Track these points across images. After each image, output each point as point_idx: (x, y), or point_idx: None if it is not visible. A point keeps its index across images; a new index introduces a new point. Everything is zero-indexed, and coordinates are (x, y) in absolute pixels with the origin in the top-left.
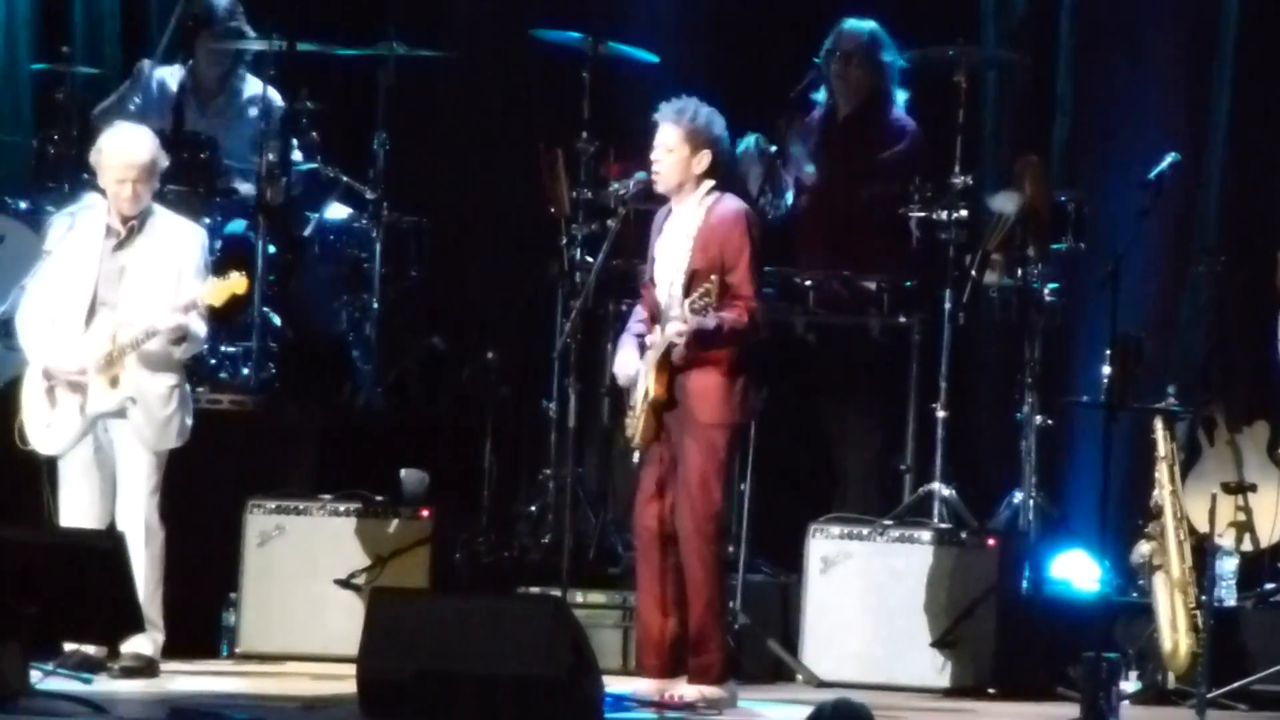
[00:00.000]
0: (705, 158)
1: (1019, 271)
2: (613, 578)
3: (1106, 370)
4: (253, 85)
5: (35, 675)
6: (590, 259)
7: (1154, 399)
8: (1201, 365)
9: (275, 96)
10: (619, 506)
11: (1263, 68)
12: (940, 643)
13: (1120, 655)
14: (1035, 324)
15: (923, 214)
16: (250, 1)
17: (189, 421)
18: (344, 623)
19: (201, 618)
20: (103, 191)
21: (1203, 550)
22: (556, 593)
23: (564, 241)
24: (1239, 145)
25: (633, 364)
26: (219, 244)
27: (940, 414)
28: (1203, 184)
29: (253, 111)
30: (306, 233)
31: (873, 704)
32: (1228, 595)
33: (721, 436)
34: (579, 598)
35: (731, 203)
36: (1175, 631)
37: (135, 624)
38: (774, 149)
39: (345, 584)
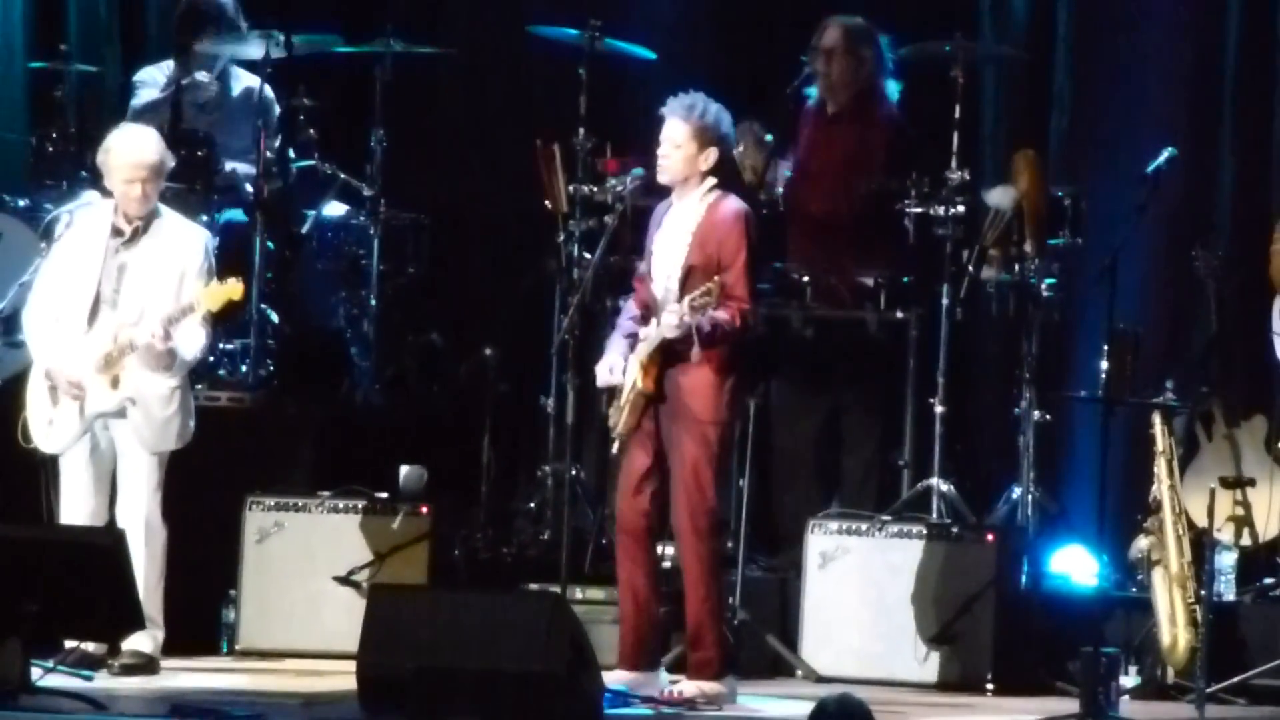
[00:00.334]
0: (712, 155)
1: (1016, 267)
2: (611, 574)
3: (1104, 365)
4: (248, 82)
5: (35, 672)
6: (588, 255)
7: (1152, 394)
8: (1199, 360)
9: (271, 93)
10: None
11: (1262, 63)
12: (939, 638)
13: (1119, 650)
14: (1033, 319)
15: (920, 209)
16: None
17: (190, 424)
18: (343, 619)
19: (201, 615)
20: (104, 190)
21: (1201, 545)
22: (555, 589)
23: (561, 238)
24: (1237, 139)
25: (616, 367)
26: (216, 241)
27: (938, 409)
28: (1201, 179)
29: (249, 108)
30: (304, 229)
31: (871, 699)
32: (1226, 590)
33: (714, 432)
34: (578, 593)
35: (733, 203)
36: (1174, 626)
37: (135, 621)
38: (769, 137)
39: (344, 580)
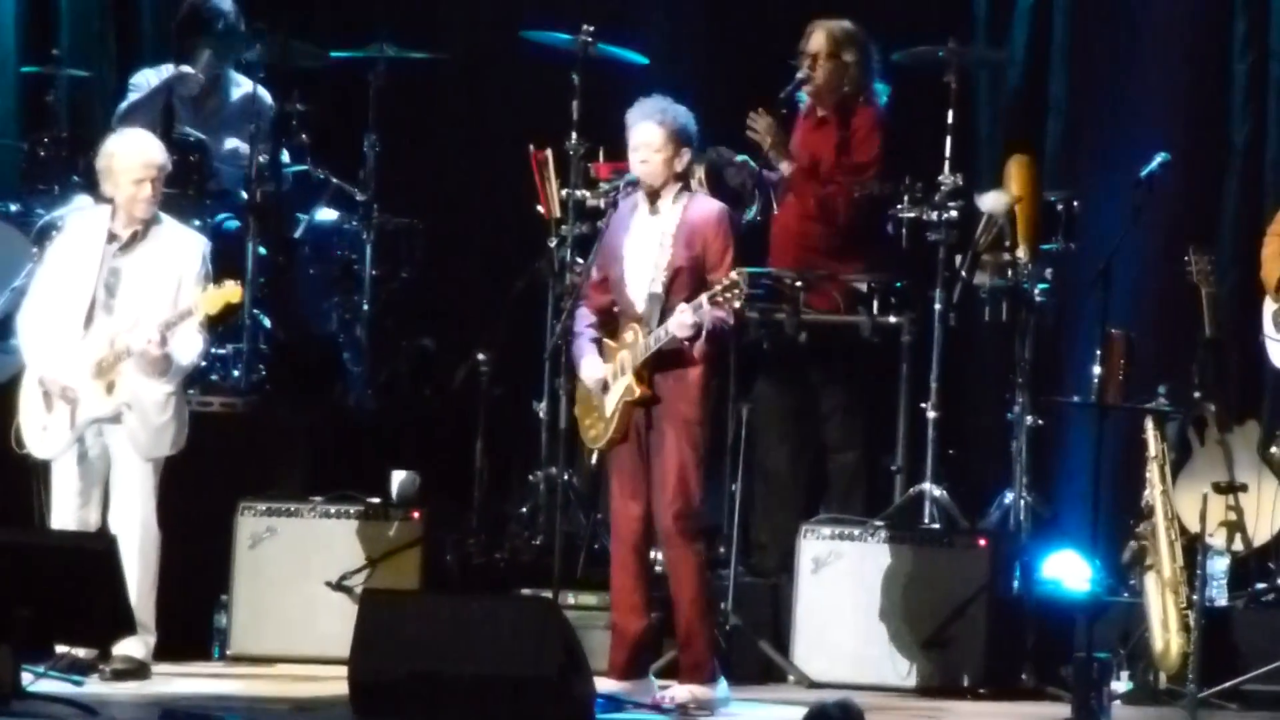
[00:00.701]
0: (685, 156)
1: (1010, 272)
2: (604, 579)
3: (1097, 370)
4: (244, 86)
5: (27, 677)
6: (580, 260)
7: (1145, 399)
8: (1192, 365)
9: (266, 97)
10: (610, 508)
11: (1257, 69)
12: (931, 643)
13: (1111, 655)
14: (1026, 324)
15: (913, 214)
16: (243, 4)
17: (185, 430)
18: (335, 624)
19: (193, 620)
20: (97, 196)
21: (1194, 550)
22: (548, 594)
23: (554, 242)
24: (1230, 145)
25: (600, 368)
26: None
27: (931, 414)
28: (1194, 184)
29: (243, 113)
30: (297, 234)
31: (863, 704)
32: (1219, 595)
33: (700, 431)
34: (570, 599)
35: (707, 201)
36: (1166, 631)
37: (127, 626)
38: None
39: (337, 585)
